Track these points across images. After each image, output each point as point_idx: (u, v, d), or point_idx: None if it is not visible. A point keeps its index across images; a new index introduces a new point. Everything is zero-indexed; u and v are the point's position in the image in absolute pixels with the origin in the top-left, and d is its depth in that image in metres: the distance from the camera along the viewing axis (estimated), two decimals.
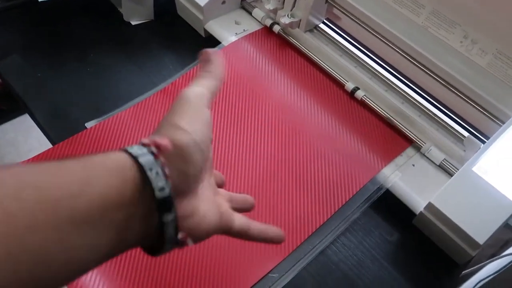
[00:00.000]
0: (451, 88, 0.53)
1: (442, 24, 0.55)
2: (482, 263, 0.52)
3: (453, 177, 0.46)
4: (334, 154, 0.52)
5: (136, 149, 0.25)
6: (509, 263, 0.57)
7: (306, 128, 0.54)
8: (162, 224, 0.25)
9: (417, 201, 0.48)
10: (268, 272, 0.43)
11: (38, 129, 0.55)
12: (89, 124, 0.52)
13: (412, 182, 0.50)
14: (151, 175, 0.24)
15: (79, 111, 0.55)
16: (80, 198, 0.22)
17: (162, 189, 0.24)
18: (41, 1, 0.62)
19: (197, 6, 0.62)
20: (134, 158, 0.24)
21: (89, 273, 0.42)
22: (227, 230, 0.32)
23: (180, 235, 0.26)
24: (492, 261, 0.53)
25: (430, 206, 0.45)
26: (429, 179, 0.50)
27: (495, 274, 0.58)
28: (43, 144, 0.52)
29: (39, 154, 0.49)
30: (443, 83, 0.54)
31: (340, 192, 0.49)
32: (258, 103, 0.56)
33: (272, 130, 0.54)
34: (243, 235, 0.33)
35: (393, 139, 0.54)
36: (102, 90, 0.58)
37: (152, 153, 0.25)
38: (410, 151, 0.53)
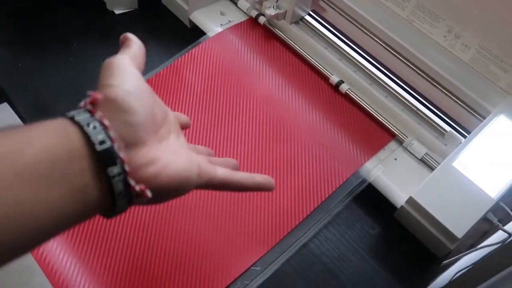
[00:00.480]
0: (433, 83, 0.54)
1: (426, 18, 0.56)
2: (462, 254, 0.54)
3: (433, 172, 0.47)
4: (318, 147, 0.52)
5: (72, 112, 0.26)
6: (486, 254, 0.58)
7: (290, 121, 0.54)
8: (109, 178, 0.25)
9: (399, 195, 0.49)
10: (251, 265, 0.44)
11: (18, 119, 0.54)
12: None
13: (394, 176, 0.50)
14: (89, 130, 0.24)
15: (61, 103, 0.54)
16: (23, 153, 0.22)
17: (102, 142, 0.24)
18: None
19: None
20: (71, 119, 0.25)
21: (72, 266, 0.42)
22: (208, 181, 0.32)
23: (137, 187, 0.26)
24: (471, 252, 0.54)
25: (410, 201, 0.46)
26: (411, 173, 0.51)
27: (473, 265, 0.60)
28: None
29: None
30: (426, 77, 0.55)
31: (323, 185, 0.49)
32: (242, 95, 0.56)
33: (256, 123, 0.54)
34: (227, 184, 0.34)
35: (376, 133, 0.54)
36: (85, 81, 0.57)
37: (88, 110, 0.25)
38: (392, 145, 0.53)
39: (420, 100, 0.56)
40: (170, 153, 0.29)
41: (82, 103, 0.26)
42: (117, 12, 0.65)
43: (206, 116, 0.54)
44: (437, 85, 0.54)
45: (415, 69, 0.55)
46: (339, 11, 0.60)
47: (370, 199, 0.50)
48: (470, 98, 0.51)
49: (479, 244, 0.63)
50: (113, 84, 0.27)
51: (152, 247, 0.44)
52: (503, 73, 0.51)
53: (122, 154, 0.25)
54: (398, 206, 0.48)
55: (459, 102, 0.52)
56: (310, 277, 0.45)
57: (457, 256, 0.52)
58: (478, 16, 0.51)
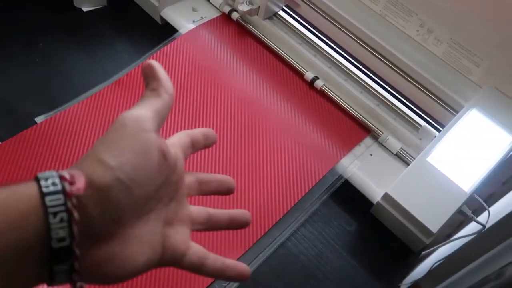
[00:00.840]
0: (407, 78, 0.54)
1: (399, 12, 0.56)
2: (439, 244, 0.54)
3: (408, 167, 0.47)
4: (294, 144, 0.52)
5: (49, 181, 0.23)
6: (462, 245, 0.59)
7: (265, 118, 0.54)
8: (52, 272, 0.22)
9: (375, 191, 0.49)
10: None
11: None
12: (39, 119, 0.50)
13: (370, 172, 0.50)
14: (53, 222, 0.22)
15: (29, 104, 0.52)
16: None
17: (61, 239, 0.22)
18: None
19: None
20: (43, 195, 0.22)
21: None
22: (175, 263, 0.28)
23: (78, 284, 0.23)
24: (447, 243, 0.55)
25: (386, 196, 0.46)
26: (387, 168, 0.51)
27: (450, 255, 0.61)
28: None
29: None
30: (400, 72, 0.55)
31: (300, 183, 0.49)
32: (216, 93, 0.55)
33: (230, 120, 0.53)
34: (197, 269, 0.29)
35: (352, 129, 0.54)
36: (52, 81, 0.55)
37: (64, 191, 0.22)
38: (368, 140, 0.53)
39: (395, 95, 0.56)
40: (135, 244, 0.26)
41: (65, 173, 0.23)
42: (85, 9, 0.63)
43: (179, 115, 0.53)
44: (410, 79, 0.54)
45: (389, 64, 0.55)
46: (312, 6, 0.60)
47: (347, 195, 0.50)
48: (443, 92, 0.51)
49: (456, 233, 0.64)
50: (108, 164, 0.23)
51: None
52: (475, 67, 0.51)
53: (77, 251, 0.22)
54: (375, 202, 0.48)
55: (433, 96, 0.52)
56: (287, 276, 0.45)
57: (435, 247, 0.53)
58: (450, 10, 0.51)
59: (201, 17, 0.62)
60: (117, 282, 0.25)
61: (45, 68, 0.56)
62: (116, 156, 0.24)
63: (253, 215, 0.47)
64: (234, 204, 0.47)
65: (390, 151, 0.53)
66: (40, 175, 0.23)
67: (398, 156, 0.52)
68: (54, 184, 0.22)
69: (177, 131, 0.51)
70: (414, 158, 0.51)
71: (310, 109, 0.55)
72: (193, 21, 0.61)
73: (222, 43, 0.60)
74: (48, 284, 0.23)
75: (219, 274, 0.29)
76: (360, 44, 0.57)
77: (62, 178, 0.23)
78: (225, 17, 0.63)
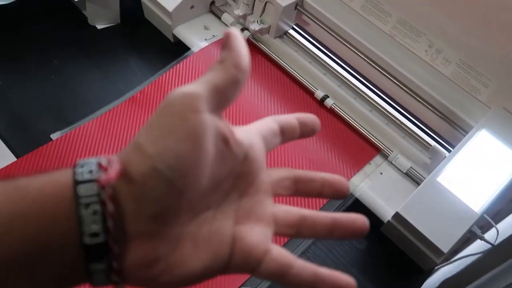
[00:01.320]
0: (416, 97, 0.55)
1: (408, 33, 0.56)
2: (446, 262, 0.55)
3: (419, 187, 0.48)
4: (304, 162, 0.52)
5: (85, 168, 0.20)
6: (470, 263, 0.59)
7: None
8: (89, 271, 0.20)
9: (385, 210, 0.50)
10: (241, 285, 0.44)
11: None
12: (54, 136, 0.51)
13: (380, 191, 0.51)
14: (85, 214, 0.19)
15: (43, 121, 0.53)
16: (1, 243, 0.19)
17: (94, 234, 0.19)
18: (1, 5, 0.59)
19: (165, 11, 0.61)
20: (76, 183, 0.20)
21: None
22: (248, 270, 0.24)
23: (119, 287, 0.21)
24: (455, 261, 0.55)
25: (397, 216, 0.46)
26: (397, 187, 0.52)
27: (458, 272, 0.61)
28: (1, 153, 0.50)
29: (2, 168, 0.47)
30: (409, 91, 0.55)
31: (310, 201, 0.50)
32: (227, 109, 0.56)
33: None
34: (277, 278, 0.24)
35: (362, 147, 0.55)
36: (66, 98, 0.56)
37: (98, 182, 0.20)
38: (378, 159, 0.54)
39: (404, 114, 0.57)
40: (188, 246, 0.22)
41: (104, 160, 0.21)
42: (99, 27, 0.64)
43: None
44: (420, 99, 0.54)
45: (398, 83, 0.56)
46: (321, 25, 0.61)
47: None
48: (452, 112, 0.52)
49: (462, 249, 0.64)
50: (149, 152, 0.20)
51: None
52: (484, 87, 0.52)
53: (115, 249, 0.20)
54: (385, 220, 0.49)
55: (442, 116, 0.53)
56: None
57: (443, 264, 0.53)
58: (458, 31, 0.52)
59: (213, 35, 0.63)
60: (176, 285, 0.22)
61: (59, 85, 0.57)
62: (156, 143, 0.20)
63: None
64: None
65: (400, 170, 0.53)
66: (79, 161, 0.21)
67: (407, 175, 0.53)
68: (90, 172, 0.20)
69: None
70: (424, 178, 0.51)
71: (320, 127, 0.56)
72: (205, 39, 0.62)
73: None
74: (91, 285, 0.22)
75: (311, 284, 0.24)
76: (369, 63, 0.58)
77: (100, 165, 0.20)
78: None
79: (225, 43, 0.23)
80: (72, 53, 0.61)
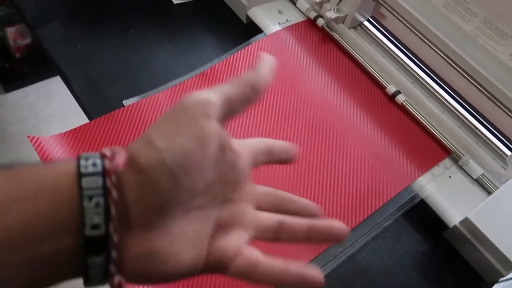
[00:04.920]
0: (495, 102, 0.52)
1: (492, 35, 0.54)
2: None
3: (493, 194, 0.45)
4: (370, 156, 0.51)
5: (89, 162, 0.21)
6: None
7: (343, 127, 0.53)
8: (86, 266, 0.20)
9: (451, 214, 0.48)
10: None
11: (60, 94, 0.55)
12: (127, 102, 0.52)
13: (447, 194, 0.49)
14: (88, 206, 0.20)
15: (117, 86, 0.55)
16: None
17: (95, 226, 0.20)
18: None
19: None
20: (80, 176, 0.20)
21: None
22: (221, 270, 0.25)
23: (116, 279, 0.21)
24: None
25: (466, 221, 0.44)
26: (465, 192, 0.50)
27: None
28: (63, 110, 0.52)
29: (76, 128, 0.49)
30: (488, 95, 0.53)
31: (374, 196, 0.48)
32: (296, 96, 0.55)
33: (308, 126, 0.53)
34: (248, 275, 0.25)
35: (431, 148, 0.53)
36: (140, 67, 0.57)
37: (103, 172, 0.20)
38: (447, 162, 0.52)
39: (479, 119, 0.54)
40: (180, 240, 0.23)
41: (107, 151, 0.21)
42: (175, 2, 0.65)
43: (257, 115, 0.53)
44: (499, 104, 0.52)
45: (476, 85, 0.54)
46: (400, 18, 0.59)
47: (420, 215, 0.49)
48: None
49: None
50: (157, 146, 0.21)
51: None
52: None
53: (115, 238, 0.20)
54: (450, 225, 0.47)
55: None
56: None
57: (506, 278, 0.51)
58: None
59: (286, 20, 0.63)
60: (158, 283, 0.23)
61: (134, 54, 0.58)
62: (167, 139, 0.21)
63: None
64: None
65: (470, 175, 0.51)
66: (82, 154, 0.21)
67: (477, 181, 0.50)
68: (94, 165, 0.21)
69: (252, 129, 0.52)
70: (496, 186, 0.49)
71: (389, 123, 0.54)
72: (279, 23, 0.62)
73: (305, 47, 0.60)
74: (84, 283, 0.22)
75: (279, 278, 0.25)
76: (446, 61, 0.56)
77: (103, 156, 0.21)
78: (310, 23, 0.63)
79: (257, 63, 0.26)
80: (148, 24, 0.62)
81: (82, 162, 0.21)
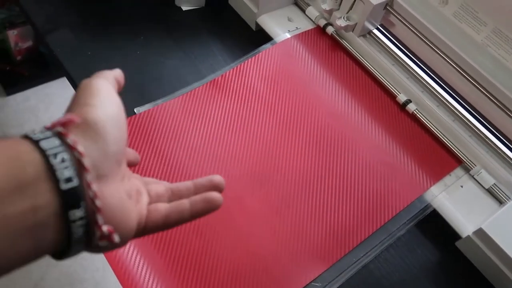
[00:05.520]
0: (507, 111, 0.52)
1: (503, 44, 0.54)
2: None
3: (507, 204, 0.45)
4: (382, 166, 0.51)
5: (38, 134, 0.21)
6: None
7: (353, 135, 0.53)
8: (68, 222, 0.21)
9: (463, 224, 0.48)
10: (311, 281, 0.43)
11: (60, 98, 0.55)
12: (139, 110, 0.52)
13: (460, 204, 0.49)
14: (55, 162, 0.20)
15: (127, 93, 0.54)
16: None
17: (68, 179, 0.20)
18: None
19: None
20: (35, 143, 0.21)
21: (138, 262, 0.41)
22: (141, 230, 0.27)
23: (104, 227, 0.22)
24: None
25: (479, 232, 0.44)
26: (477, 202, 0.50)
27: None
28: (63, 114, 0.51)
29: None
30: (499, 104, 0.53)
31: (387, 206, 0.48)
32: (305, 103, 0.55)
33: (319, 134, 0.53)
34: (161, 227, 0.28)
35: (443, 157, 0.53)
36: (150, 74, 0.57)
37: (58, 134, 0.21)
38: (459, 171, 0.52)
39: (490, 128, 0.54)
40: (127, 198, 0.25)
41: (50, 124, 0.22)
42: (184, 8, 0.64)
43: (267, 122, 0.53)
44: (510, 114, 0.52)
45: (487, 94, 0.54)
46: (410, 27, 0.59)
47: (433, 225, 0.49)
48: None
49: None
50: (95, 104, 0.24)
51: (211, 255, 0.43)
52: None
53: (94, 187, 0.21)
54: (463, 235, 0.47)
55: None
56: None
57: None
58: None
59: (296, 27, 0.63)
60: (123, 241, 0.24)
61: (144, 60, 0.58)
62: (100, 102, 0.24)
63: (338, 232, 0.46)
64: (320, 219, 0.47)
65: (481, 185, 0.51)
66: (26, 133, 0.22)
67: (489, 191, 0.51)
68: (42, 132, 0.22)
69: (263, 136, 0.52)
70: (508, 196, 0.49)
71: (400, 132, 0.54)
72: (288, 30, 0.62)
73: (315, 55, 0.60)
74: (69, 249, 0.22)
75: (194, 203, 0.28)
76: (456, 69, 0.56)
77: (48, 128, 0.22)
78: (320, 30, 0.63)
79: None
80: (157, 31, 0.61)
81: (30, 135, 0.21)
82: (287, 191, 0.48)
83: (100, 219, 0.22)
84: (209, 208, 0.28)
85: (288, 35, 0.61)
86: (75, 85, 0.55)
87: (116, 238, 0.23)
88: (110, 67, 0.56)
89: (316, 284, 0.43)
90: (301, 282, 0.43)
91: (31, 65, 1.48)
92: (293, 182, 0.49)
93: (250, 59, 0.58)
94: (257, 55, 0.58)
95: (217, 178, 0.30)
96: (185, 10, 0.64)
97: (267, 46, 0.60)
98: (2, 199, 0.19)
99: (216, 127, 0.52)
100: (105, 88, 0.26)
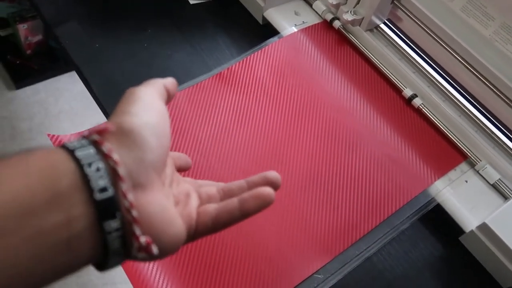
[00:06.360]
0: None
1: (510, 39, 0.54)
2: None
3: (511, 200, 0.45)
4: (387, 160, 0.51)
5: (74, 143, 0.21)
6: None
7: (358, 129, 0.53)
8: (104, 233, 0.20)
9: (468, 219, 0.48)
10: (314, 273, 0.43)
11: (69, 92, 0.55)
12: None
13: (464, 199, 0.49)
14: (90, 171, 0.20)
15: (133, 85, 0.55)
16: None
17: (103, 189, 0.20)
18: None
19: None
20: (70, 152, 0.20)
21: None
22: (192, 234, 0.26)
23: (142, 239, 0.21)
24: None
25: (483, 226, 0.44)
26: (482, 197, 0.50)
27: None
28: (74, 107, 0.52)
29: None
30: (506, 100, 0.53)
31: (391, 200, 0.48)
32: (311, 98, 0.56)
33: (325, 128, 0.53)
34: (211, 230, 0.27)
35: (448, 152, 0.53)
36: (157, 66, 0.57)
37: (94, 142, 0.21)
38: (464, 166, 0.52)
39: (496, 124, 0.54)
40: (172, 204, 0.25)
41: (87, 131, 0.22)
42: (192, 2, 0.65)
43: (273, 115, 0.54)
44: None
45: (493, 89, 0.53)
46: (417, 21, 0.59)
47: (437, 219, 0.49)
48: None
49: None
50: (133, 112, 0.23)
51: (214, 247, 0.44)
52: None
53: (130, 197, 0.21)
54: (467, 230, 0.47)
55: None
56: None
57: None
58: None
59: (303, 21, 0.63)
60: (166, 251, 0.23)
61: (151, 53, 0.58)
62: (140, 110, 0.24)
63: (341, 225, 0.46)
64: (324, 212, 0.47)
65: (486, 180, 0.51)
66: (63, 143, 0.21)
67: (494, 187, 0.50)
68: (79, 141, 0.21)
69: (269, 129, 0.52)
70: None
71: (406, 127, 0.54)
72: (295, 24, 0.62)
73: (321, 49, 0.60)
74: (106, 262, 0.21)
75: (240, 204, 0.27)
76: (463, 64, 0.55)
77: (85, 137, 0.22)
78: (326, 24, 0.63)
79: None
80: (164, 24, 0.62)
81: (67, 144, 0.21)
82: (292, 183, 0.48)
83: (137, 230, 0.21)
84: (260, 205, 0.26)
85: (295, 29, 0.61)
86: (83, 77, 0.56)
87: (155, 249, 0.22)
88: (118, 59, 0.57)
89: (319, 276, 0.43)
90: (304, 274, 0.43)
91: (41, 59, 1.49)
92: (298, 175, 0.49)
93: (256, 53, 0.58)
94: (263, 49, 0.59)
95: (272, 174, 0.28)
96: (193, 4, 0.65)
97: (274, 39, 0.60)
98: (37, 212, 0.18)
99: (222, 120, 0.52)
100: (148, 96, 0.25)
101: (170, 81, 0.29)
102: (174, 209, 0.24)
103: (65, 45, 0.58)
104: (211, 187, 0.29)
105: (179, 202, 0.26)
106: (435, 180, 0.50)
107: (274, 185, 0.28)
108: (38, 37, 1.47)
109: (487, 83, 0.54)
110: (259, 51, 0.59)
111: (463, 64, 0.55)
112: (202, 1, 0.65)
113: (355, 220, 0.47)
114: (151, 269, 0.41)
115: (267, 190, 0.26)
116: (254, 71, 0.57)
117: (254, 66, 0.57)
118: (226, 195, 0.28)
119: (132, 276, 0.41)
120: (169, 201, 0.25)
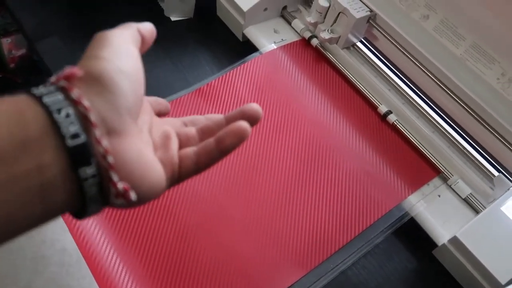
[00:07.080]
0: (483, 123, 0.54)
1: (481, 58, 0.56)
2: None
3: (481, 214, 0.47)
4: (362, 174, 0.52)
5: (41, 89, 0.20)
6: None
7: (334, 145, 0.55)
8: (80, 180, 0.20)
9: (440, 233, 0.49)
10: (289, 287, 0.44)
11: None
12: None
13: (436, 213, 0.50)
14: (59, 118, 0.19)
15: None
16: None
17: (74, 135, 0.19)
18: None
19: (239, 10, 0.62)
20: (37, 99, 0.19)
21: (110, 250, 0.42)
22: (176, 178, 0.26)
23: (119, 185, 0.21)
24: None
25: (454, 240, 0.45)
26: (453, 211, 0.51)
27: None
28: None
29: None
30: (476, 117, 0.54)
31: (365, 214, 0.49)
32: (289, 113, 0.57)
33: (301, 143, 0.54)
34: (195, 171, 0.26)
35: (421, 167, 0.54)
36: None
37: (62, 88, 0.20)
38: (437, 181, 0.53)
39: (467, 140, 0.56)
40: (150, 150, 0.24)
41: (54, 78, 0.21)
42: (173, 19, 0.66)
43: (251, 129, 0.54)
44: (487, 126, 0.53)
45: (465, 107, 0.55)
46: (392, 40, 0.60)
47: (410, 233, 0.50)
48: None
49: None
50: (103, 56, 0.22)
51: (190, 259, 0.44)
52: None
53: (104, 143, 0.20)
54: (439, 243, 0.48)
55: (509, 146, 0.52)
56: None
57: None
58: None
59: (282, 39, 0.64)
60: (144, 198, 0.23)
61: None
62: (110, 53, 0.22)
63: (316, 239, 0.47)
64: (299, 226, 0.48)
65: (458, 195, 0.52)
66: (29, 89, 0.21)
67: (466, 201, 0.52)
68: (45, 87, 0.20)
69: (246, 147, 0.53)
70: (484, 206, 0.50)
71: (380, 142, 0.56)
72: (274, 42, 0.63)
73: (299, 66, 0.62)
74: (83, 209, 0.21)
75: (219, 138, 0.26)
76: (436, 82, 0.57)
77: (53, 83, 0.21)
78: (305, 42, 0.64)
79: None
80: None
81: (34, 90, 0.20)
82: (268, 197, 0.49)
83: (114, 176, 0.21)
84: (237, 141, 0.25)
85: (274, 46, 0.62)
86: None
87: (133, 195, 0.21)
88: None
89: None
90: (279, 287, 0.43)
91: (24, 72, 1.48)
92: (274, 189, 0.50)
93: (236, 69, 0.59)
94: (243, 65, 0.60)
95: (249, 107, 0.27)
96: (174, 21, 0.66)
97: (253, 56, 0.61)
98: (6, 159, 0.18)
99: None
100: (119, 39, 0.24)
101: (146, 26, 0.27)
102: (153, 155, 0.24)
103: (46, 59, 0.58)
104: (191, 128, 0.29)
105: (159, 147, 0.26)
106: (409, 195, 0.51)
107: (253, 119, 0.27)
108: (22, 51, 1.47)
109: (458, 101, 0.55)
110: (239, 67, 0.60)
111: (436, 82, 0.57)
112: (183, 18, 0.66)
113: (330, 234, 0.47)
114: (118, 271, 0.41)
115: (243, 125, 0.25)
116: (234, 86, 0.58)
117: (234, 82, 0.58)
118: (206, 134, 0.28)
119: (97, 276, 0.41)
120: (148, 147, 0.24)
